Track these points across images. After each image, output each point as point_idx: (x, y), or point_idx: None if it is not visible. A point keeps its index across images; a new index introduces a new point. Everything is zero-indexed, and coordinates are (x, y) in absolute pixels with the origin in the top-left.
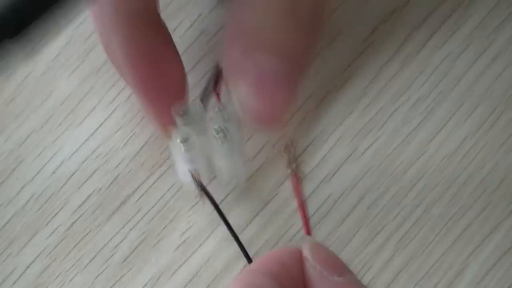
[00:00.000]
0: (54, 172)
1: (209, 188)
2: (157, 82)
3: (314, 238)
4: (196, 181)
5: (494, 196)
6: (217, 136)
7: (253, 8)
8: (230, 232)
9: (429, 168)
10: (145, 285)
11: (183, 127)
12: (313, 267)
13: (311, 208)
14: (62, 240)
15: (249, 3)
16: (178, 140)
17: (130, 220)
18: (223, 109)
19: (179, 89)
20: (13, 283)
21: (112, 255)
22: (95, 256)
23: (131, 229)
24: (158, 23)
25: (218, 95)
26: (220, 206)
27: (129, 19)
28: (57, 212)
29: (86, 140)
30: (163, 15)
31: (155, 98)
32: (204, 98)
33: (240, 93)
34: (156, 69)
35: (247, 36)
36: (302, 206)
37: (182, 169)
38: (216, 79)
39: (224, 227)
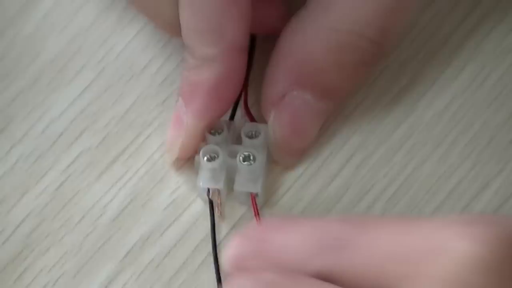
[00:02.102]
0: (43, 132)
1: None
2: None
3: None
4: (210, 199)
5: (483, 155)
6: (243, 162)
7: (311, 43)
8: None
9: (417, 127)
10: (135, 244)
11: (212, 145)
12: None
13: (300, 167)
14: (51, 200)
15: (308, 37)
16: (205, 158)
17: (119, 180)
18: (255, 135)
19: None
20: (2, 244)
21: (101, 215)
22: (84, 216)
23: (120, 189)
24: None
25: (249, 113)
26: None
27: None
28: (46, 172)
29: (74, 100)
30: None
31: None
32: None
33: (276, 124)
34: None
35: (296, 72)
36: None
37: (202, 186)
38: (244, 97)
39: None
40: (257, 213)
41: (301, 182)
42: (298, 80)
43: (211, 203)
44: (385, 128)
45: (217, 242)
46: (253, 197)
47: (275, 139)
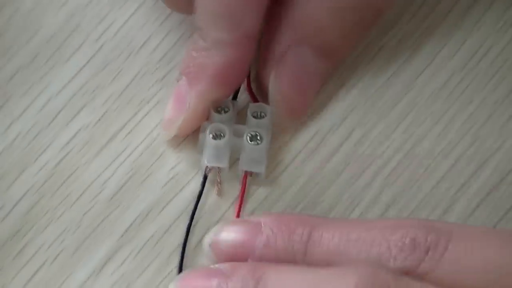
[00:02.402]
0: (41, 109)
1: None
2: None
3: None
4: (205, 174)
5: (482, 131)
6: (250, 141)
7: (313, 4)
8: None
9: (416, 104)
10: (134, 221)
11: (218, 124)
12: None
13: (299, 144)
14: (50, 177)
15: None
16: (211, 136)
17: (118, 156)
18: (261, 115)
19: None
20: (2, 220)
21: (100, 192)
22: (83, 193)
23: (119, 165)
24: None
25: (252, 94)
26: None
27: None
28: (45, 149)
29: (73, 77)
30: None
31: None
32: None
33: (277, 84)
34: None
35: (297, 29)
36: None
37: (207, 164)
38: (247, 78)
39: None
40: (243, 193)
41: (300, 159)
42: (299, 39)
43: (205, 178)
44: (384, 105)
45: (217, 220)
46: (246, 176)
47: (276, 99)
